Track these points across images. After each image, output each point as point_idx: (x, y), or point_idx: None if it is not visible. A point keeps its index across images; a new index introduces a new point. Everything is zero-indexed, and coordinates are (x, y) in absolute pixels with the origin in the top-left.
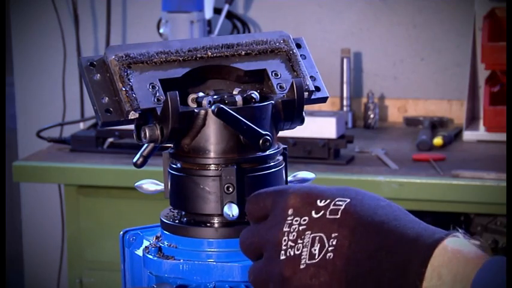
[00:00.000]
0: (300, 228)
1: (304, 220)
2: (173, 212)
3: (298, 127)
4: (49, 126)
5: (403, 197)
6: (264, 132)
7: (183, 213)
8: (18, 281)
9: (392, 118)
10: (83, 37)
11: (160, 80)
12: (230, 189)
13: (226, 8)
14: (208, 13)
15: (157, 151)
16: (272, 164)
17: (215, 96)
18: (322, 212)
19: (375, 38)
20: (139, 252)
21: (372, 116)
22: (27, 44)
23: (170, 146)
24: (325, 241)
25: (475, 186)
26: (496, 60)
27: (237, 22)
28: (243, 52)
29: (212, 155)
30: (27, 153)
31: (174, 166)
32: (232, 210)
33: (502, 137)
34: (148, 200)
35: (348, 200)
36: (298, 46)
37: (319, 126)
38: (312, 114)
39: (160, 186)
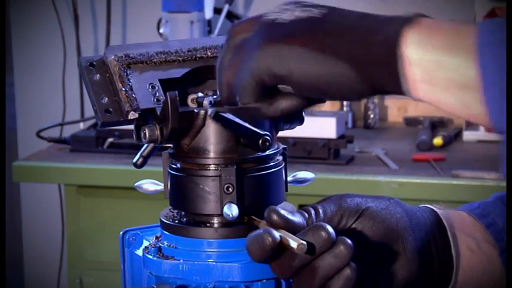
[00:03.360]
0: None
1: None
2: (173, 212)
3: (298, 127)
4: (49, 126)
5: (403, 197)
6: (263, 132)
7: (183, 213)
8: (18, 281)
9: (392, 118)
10: (83, 37)
11: (160, 80)
12: (230, 189)
13: (226, 8)
14: (208, 13)
15: (157, 151)
16: (272, 164)
17: (215, 97)
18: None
19: None
20: (139, 252)
21: (372, 116)
22: (27, 44)
23: (170, 146)
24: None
25: (475, 186)
26: None
27: None
28: None
29: (212, 155)
30: (27, 153)
31: (173, 166)
32: (232, 210)
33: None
34: (148, 200)
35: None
36: None
37: (319, 126)
38: (312, 114)
39: (160, 186)
